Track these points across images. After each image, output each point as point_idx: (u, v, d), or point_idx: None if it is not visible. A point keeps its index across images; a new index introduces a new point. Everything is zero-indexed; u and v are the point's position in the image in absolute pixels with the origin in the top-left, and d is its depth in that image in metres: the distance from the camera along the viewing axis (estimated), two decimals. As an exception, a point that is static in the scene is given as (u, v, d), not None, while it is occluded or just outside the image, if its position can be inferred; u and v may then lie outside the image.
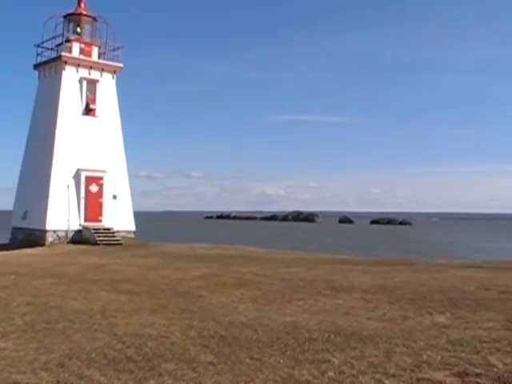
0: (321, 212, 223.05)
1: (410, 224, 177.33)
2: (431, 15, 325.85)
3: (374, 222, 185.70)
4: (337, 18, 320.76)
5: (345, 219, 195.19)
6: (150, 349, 9.43)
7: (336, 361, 8.63)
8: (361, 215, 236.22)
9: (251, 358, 8.85)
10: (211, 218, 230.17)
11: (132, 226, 37.69)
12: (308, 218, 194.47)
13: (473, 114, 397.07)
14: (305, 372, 8.07)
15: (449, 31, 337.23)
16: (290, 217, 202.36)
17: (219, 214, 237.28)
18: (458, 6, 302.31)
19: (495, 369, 8.06)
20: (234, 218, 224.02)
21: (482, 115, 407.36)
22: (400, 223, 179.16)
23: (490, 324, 11.26)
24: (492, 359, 8.54)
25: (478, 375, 7.83)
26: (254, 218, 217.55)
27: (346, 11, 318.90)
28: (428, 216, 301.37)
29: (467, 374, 7.88)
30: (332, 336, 10.32)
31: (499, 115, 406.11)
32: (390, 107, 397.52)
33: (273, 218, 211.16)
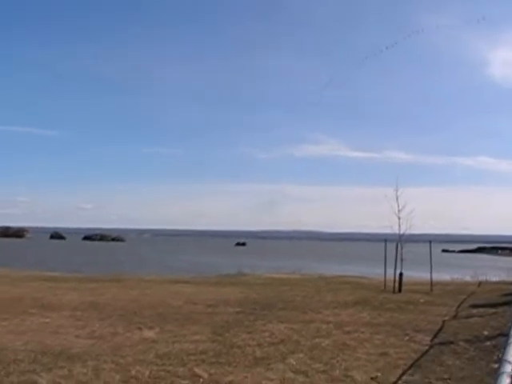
0: (32, 227, 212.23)
1: (122, 240, 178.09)
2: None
3: (86, 237, 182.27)
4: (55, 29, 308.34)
5: (56, 235, 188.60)
6: None
7: (43, 381, 8.25)
8: (73, 231, 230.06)
9: None
10: None
11: None
12: (17, 233, 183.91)
13: (181, 134, 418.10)
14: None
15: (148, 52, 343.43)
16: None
17: None
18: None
19: (201, 379, 8.43)
20: None
21: (187, 136, 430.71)
22: (113, 239, 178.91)
23: (197, 337, 11.78)
24: (198, 370, 8.91)
25: (183, 386, 8.08)
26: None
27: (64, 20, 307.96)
28: (140, 232, 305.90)
29: (174, 386, 8.09)
30: (39, 356, 9.83)
31: (198, 135, 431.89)
32: (101, 123, 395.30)
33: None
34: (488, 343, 11.12)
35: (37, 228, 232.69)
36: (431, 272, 23.48)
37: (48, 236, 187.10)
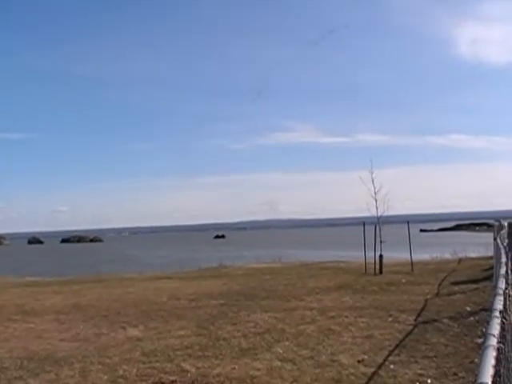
0: (9, 234, 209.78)
1: (101, 241, 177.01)
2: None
3: (64, 240, 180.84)
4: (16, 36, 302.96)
5: (34, 240, 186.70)
6: None
7: (30, 387, 8.16)
8: (51, 234, 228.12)
9: None
10: None
11: None
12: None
13: (152, 128, 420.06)
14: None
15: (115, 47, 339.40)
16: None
17: None
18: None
19: (189, 374, 8.42)
20: None
21: (161, 129, 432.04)
22: (91, 240, 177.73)
23: (182, 332, 11.75)
24: (185, 365, 8.89)
25: (172, 382, 8.07)
26: None
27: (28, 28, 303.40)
28: (119, 231, 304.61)
29: (163, 383, 8.07)
30: (25, 362, 9.74)
31: (170, 128, 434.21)
32: (73, 124, 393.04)
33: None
34: (471, 319, 11.27)
35: (13, 234, 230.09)
36: (411, 252, 23.66)
37: (26, 241, 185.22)
